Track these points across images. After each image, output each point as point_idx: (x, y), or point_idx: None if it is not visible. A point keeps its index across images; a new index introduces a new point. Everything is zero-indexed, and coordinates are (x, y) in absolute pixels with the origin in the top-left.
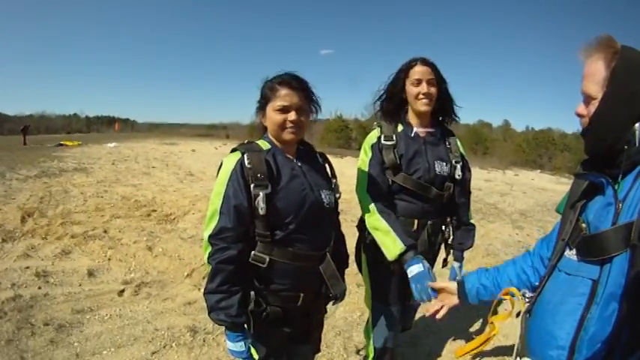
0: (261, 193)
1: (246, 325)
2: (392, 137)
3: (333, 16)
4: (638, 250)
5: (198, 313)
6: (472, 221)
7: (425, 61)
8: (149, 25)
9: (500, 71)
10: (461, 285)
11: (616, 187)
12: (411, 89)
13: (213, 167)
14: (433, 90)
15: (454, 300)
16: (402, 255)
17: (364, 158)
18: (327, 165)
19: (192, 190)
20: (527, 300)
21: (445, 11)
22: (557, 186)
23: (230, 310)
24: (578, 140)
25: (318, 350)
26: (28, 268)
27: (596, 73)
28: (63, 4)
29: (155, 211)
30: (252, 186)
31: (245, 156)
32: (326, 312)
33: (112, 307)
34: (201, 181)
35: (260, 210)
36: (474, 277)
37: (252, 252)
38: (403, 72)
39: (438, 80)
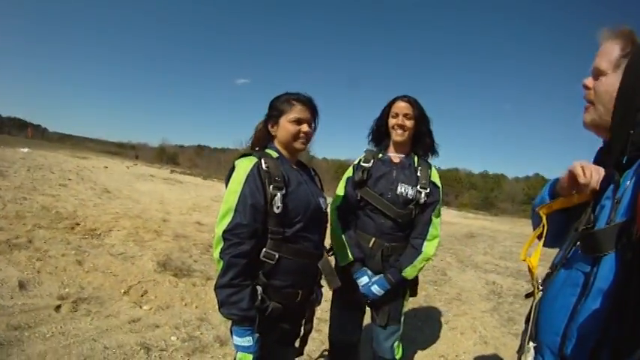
0: (278, 194)
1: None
2: (370, 160)
3: (249, 46)
4: (626, 254)
5: (146, 330)
6: (425, 249)
7: (405, 99)
8: (64, 36)
9: None
10: None
11: (620, 180)
12: (390, 120)
13: (128, 186)
14: (408, 123)
15: None
16: (350, 264)
17: (344, 178)
18: (316, 177)
19: (112, 207)
20: (540, 288)
21: (352, 43)
22: (463, 220)
23: (241, 303)
24: (484, 179)
25: (302, 353)
26: None
27: (611, 52)
28: None
29: (78, 224)
30: (270, 187)
31: (262, 160)
32: (314, 313)
33: (51, 323)
34: (118, 199)
35: (276, 209)
36: None
37: (264, 249)
38: (387, 106)
39: (417, 116)
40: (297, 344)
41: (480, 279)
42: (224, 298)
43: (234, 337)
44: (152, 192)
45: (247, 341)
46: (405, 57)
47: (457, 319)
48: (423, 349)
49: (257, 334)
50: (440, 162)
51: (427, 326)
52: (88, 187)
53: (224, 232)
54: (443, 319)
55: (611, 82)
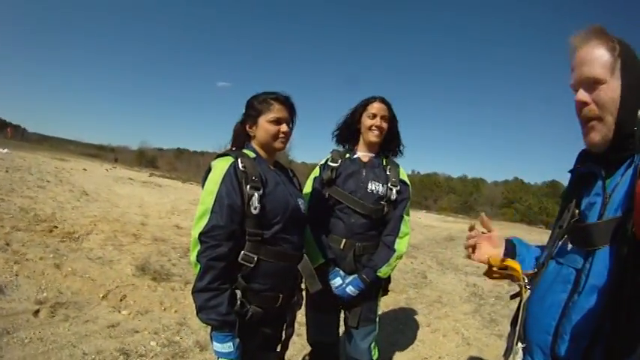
0: (255, 194)
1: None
2: (338, 160)
3: (230, 49)
4: (622, 249)
5: (125, 335)
6: (398, 247)
7: (383, 100)
8: (44, 37)
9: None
10: (511, 244)
11: (608, 180)
12: (366, 121)
13: (107, 189)
14: (385, 125)
15: (498, 250)
16: (322, 265)
17: (311, 177)
18: (295, 179)
19: (90, 210)
20: (528, 287)
21: (333, 47)
22: (442, 223)
23: (220, 308)
24: (464, 183)
25: (283, 358)
26: None
27: (600, 57)
28: None
29: (57, 227)
30: (247, 187)
31: (239, 160)
32: (295, 317)
33: (29, 329)
34: (96, 201)
35: (253, 209)
36: (524, 248)
37: (242, 252)
38: (362, 106)
39: (391, 118)
40: (278, 349)
41: (460, 281)
42: (202, 302)
43: (215, 343)
44: (131, 195)
45: (228, 347)
46: (386, 60)
47: (439, 322)
48: (406, 351)
49: (238, 340)
50: (419, 166)
51: (408, 329)
52: (67, 189)
53: (201, 234)
54: (424, 322)
55: (614, 88)
